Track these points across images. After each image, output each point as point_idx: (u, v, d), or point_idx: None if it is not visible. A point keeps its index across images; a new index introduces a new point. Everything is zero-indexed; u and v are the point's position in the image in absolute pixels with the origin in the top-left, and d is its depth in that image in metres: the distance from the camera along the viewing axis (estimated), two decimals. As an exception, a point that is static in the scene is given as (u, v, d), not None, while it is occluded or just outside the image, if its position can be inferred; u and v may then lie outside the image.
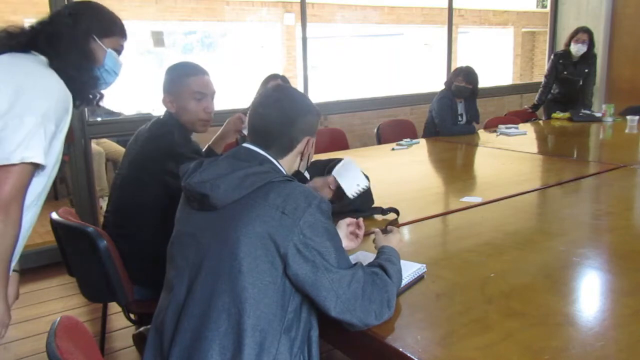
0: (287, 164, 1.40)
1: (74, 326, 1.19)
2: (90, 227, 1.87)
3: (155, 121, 2.12)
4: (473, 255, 1.72)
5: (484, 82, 4.42)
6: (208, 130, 2.17)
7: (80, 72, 1.47)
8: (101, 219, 2.39)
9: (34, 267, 3.43)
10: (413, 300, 1.41)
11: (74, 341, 1.12)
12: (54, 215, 1.97)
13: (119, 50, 1.60)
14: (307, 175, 1.59)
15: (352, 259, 1.46)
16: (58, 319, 1.16)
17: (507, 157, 3.35)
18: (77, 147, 3.46)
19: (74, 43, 1.47)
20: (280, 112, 1.37)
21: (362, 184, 1.80)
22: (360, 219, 1.61)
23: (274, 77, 2.97)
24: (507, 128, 4.23)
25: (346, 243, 1.54)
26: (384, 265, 1.34)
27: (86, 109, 3.45)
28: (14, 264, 1.43)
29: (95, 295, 2.14)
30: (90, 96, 1.57)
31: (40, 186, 1.42)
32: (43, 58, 1.44)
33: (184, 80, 2.06)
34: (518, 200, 2.35)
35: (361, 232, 1.60)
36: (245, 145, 1.38)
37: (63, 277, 2.32)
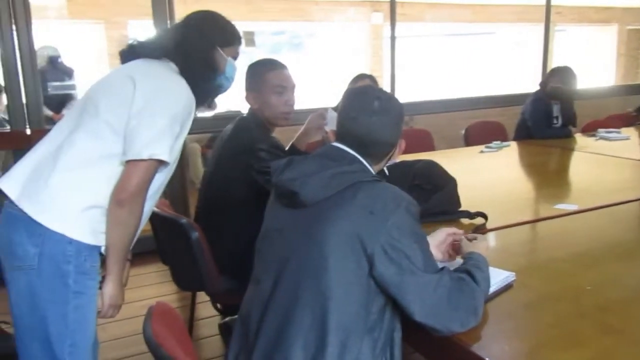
0: (379, 166, 1.41)
1: (168, 312, 1.26)
2: (184, 218, 1.97)
3: (238, 119, 2.20)
4: (567, 265, 1.63)
5: (582, 83, 4.18)
6: (291, 128, 2.21)
7: (205, 81, 1.60)
8: (192, 210, 2.51)
9: (133, 253, 3.65)
10: (500, 309, 1.36)
11: (167, 326, 1.19)
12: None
13: (235, 57, 1.70)
14: (386, 171, 1.59)
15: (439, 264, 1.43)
16: (154, 304, 1.23)
17: (607, 163, 3.14)
18: (172, 143, 3.64)
19: (201, 53, 1.58)
20: (388, 123, 1.36)
21: None
22: (462, 238, 1.53)
23: (362, 77, 2.96)
24: (607, 132, 3.98)
25: (435, 252, 1.47)
26: (472, 271, 1.30)
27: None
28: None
29: (186, 284, 2.25)
30: (210, 100, 1.70)
31: (159, 181, 1.53)
32: (173, 65, 1.56)
33: (264, 75, 2.12)
34: (619, 209, 2.20)
35: (454, 255, 1.55)
36: (335, 144, 1.38)
37: (157, 264, 2.46)
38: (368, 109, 1.35)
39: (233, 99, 2.23)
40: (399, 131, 1.40)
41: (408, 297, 1.19)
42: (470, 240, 1.51)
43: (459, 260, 1.52)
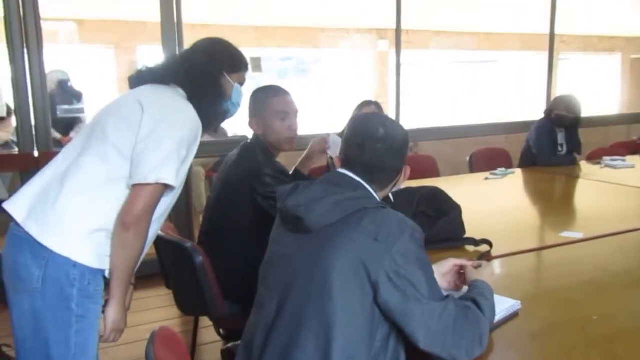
0: (384, 192, 1.41)
1: (171, 336, 1.26)
2: (188, 242, 1.97)
3: (243, 144, 2.22)
4: (573, 294, 1.62)
5: (587, 111, 4.19)
6: (294, 152, 2.23)
7: (212, 106, 1.62)
8: (196, 234, 2.51)
9: (136, 277, 3.65)
10: (506, 338, 1.34)
11: (170, 351, 1.18)
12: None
13: (242, 83, 1.72)
14: (391, 197, 1.59)
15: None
16: (157, 328, 1.22)
17: (612, 191, 3.13)
18: (178, 166, 3.66)
19: (209, 79, 1.61)
20: (392, 149, 1.37)
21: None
22: (467, 265, 1.52)
23: (367, 103, 3.00)
24: (612, 160, 3.97)
25: (441, 281, 1.45)
26: (477, 299, 1.30)
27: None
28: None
29: (189, 308, 2.24)
30: (216, 125, 1.72)
31: (165, 205, 1.54)
32: (181, 91, 1.58)
33: (267, 101, 2.15)
34: (625, 238, 2.18)
35: (461, 285, 1.53)
36: (340, 170, 1.39)
37: (161, 288, 2.45)
38: (373, 136, 1.36)
39: (239, 124, 2.25)
40: (403, 158, 1.41)
41: (412, 325, 1.18)
42: (475, 267, 1.50)
43: (465, 289, 1.52)
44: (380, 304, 1.19)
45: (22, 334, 1.44)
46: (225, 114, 1.71)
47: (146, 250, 1.55)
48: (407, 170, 1.44)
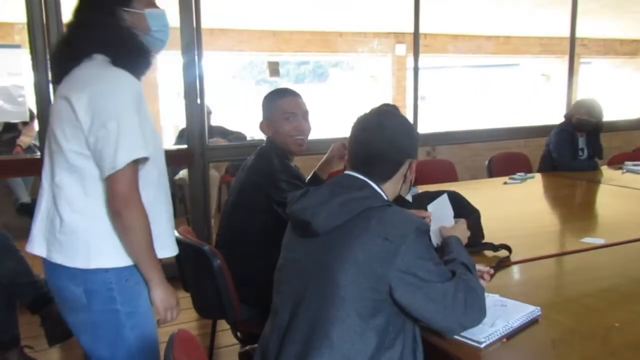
0: (390, 188, 1.40)
1: (189, 340, 1.26)
2: (207, 246, 1.98)
3: (259, 149, 2.22)
4: (594, 301, 1.59)
5: (608, 115, 4.13)
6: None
7: (137, 55, 1.45)
8: (214, 237, 2.52)
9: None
10: (526, 345, 1.33)
11: (188, 354, 1.19)
12: (175, 233, 2.10)
13: (152, 3, 1.51)
14: (409, 198, 1.58)
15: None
16: (175, 331, 1.23)
17: (634, 197, 3.08)
18: (196, 170, 3.69)
19: (110, 28, 1.42)
20: (383, 136, 1.37)
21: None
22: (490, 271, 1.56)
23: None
24: (634, 165, 3.91)
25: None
26: (466, 263, 1.37)
27: (206, 134, 3.67)
28: (166, 252, 1.55)
29: (206, 312, 2.25)
30: (147, 64, 1.51)
31: (153, 175, 1.48)
32: (100, 56, 1.42)
33: (274, 103, 2.16)
34: (647, 244, 2.14)
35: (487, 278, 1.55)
36: (346, 172, 1.39)
37: (179, 291, 2.46)
38: (369, 127, 1.39)
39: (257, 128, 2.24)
40: (404, 149, 1.39)
41: (430, 311, 1.23)
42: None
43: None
44: (397, 300, 1.22)
45: (87, 346, 1.50)
46: (156, 47, 1.52)
47: (168, 216, 1.55)
48: (414, 165, 1.42)
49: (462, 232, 1.60)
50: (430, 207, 1.73)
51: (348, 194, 1.29)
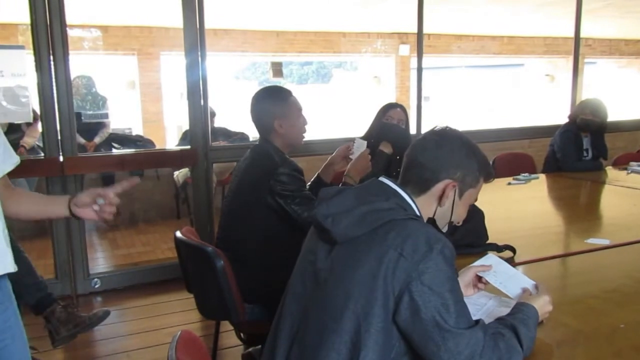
0: (424, 205, 1.31)
1: (193, 341, 1.26)
2: (210, 246, 1.97)
3: (254, 147, 2.27)
4: (599, 302, 1.58)
5: (613, 116, 4.11)
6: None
7: None
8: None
9: (157, 280, 3.69)
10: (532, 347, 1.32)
11: (191, 354, 1.19)
12: (178, 234, 2.10)
13: None
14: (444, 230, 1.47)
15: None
16: (179, 332, 1.23)
17: (639, 197, 3.07)
18: (199, 171, 3.69)
19: None
20: (430, 148, 1.32)
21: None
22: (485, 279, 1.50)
23: (393, 105, 2.96)
24: (639, 165, 3.89)
25: (464, 291, 1.40)
26: (517, 328, 1.19)
27: (210, 135, 3.68)
28: None
29: (210, 312, 2.25)
30: None
31: None
32: None
33: (287, 100, 2.24)
34: (653, 245, 2.13)
35: (482, 286, 1.51)
36: (380, 178, 1.34)
37: (182, 292, 2.46)
38: (426, 136, 1.36)
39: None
40: (446, 165, 1.30)
41: (432, 349, 1.10)
42: (534, 288, 1.43)
43: (483, 293, 1.49)
44: (399, 323, 1.13)
45: None
46: None
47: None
48: (450, 186, 1.29)
49: (542, 306, 1.35)
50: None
51: (372, 204, 1.23)
